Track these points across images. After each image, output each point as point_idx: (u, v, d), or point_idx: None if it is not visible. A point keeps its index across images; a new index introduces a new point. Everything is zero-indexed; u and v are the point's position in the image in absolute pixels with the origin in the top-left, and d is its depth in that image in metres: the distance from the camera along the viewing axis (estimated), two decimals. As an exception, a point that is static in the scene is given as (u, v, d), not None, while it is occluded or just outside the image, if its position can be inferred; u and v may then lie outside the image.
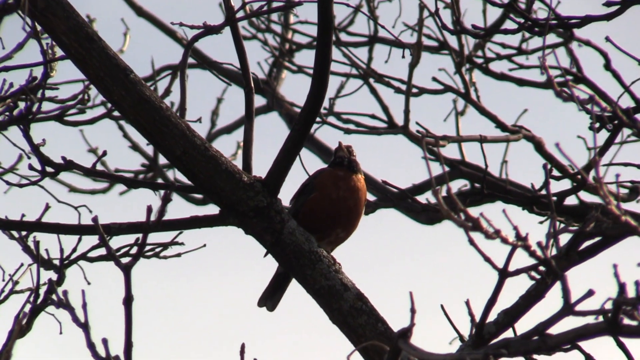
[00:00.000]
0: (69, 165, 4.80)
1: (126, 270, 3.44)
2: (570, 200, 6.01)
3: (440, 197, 3.29)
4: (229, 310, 8.19)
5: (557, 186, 6.41)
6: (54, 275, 5.09)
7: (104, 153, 4.93)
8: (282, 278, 5.03)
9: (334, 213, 4.96)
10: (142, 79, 7.29)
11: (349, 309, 4.74)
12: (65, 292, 3.35)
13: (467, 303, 3.84)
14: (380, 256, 8.05)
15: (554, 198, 5.71)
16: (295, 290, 4.97)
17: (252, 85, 5.01)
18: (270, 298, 5.03)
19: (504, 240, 3.36)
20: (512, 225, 3.39)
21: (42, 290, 4.92)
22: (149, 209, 3.46)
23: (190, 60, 7.20)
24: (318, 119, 7.14)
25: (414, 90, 6.95)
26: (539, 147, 6.68)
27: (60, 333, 4.91)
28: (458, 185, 6.99)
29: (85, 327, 3.39)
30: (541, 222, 5.36)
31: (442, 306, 4.60)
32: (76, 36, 4.66)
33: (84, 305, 3.39)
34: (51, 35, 4.67)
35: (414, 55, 6.76)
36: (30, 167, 4.82)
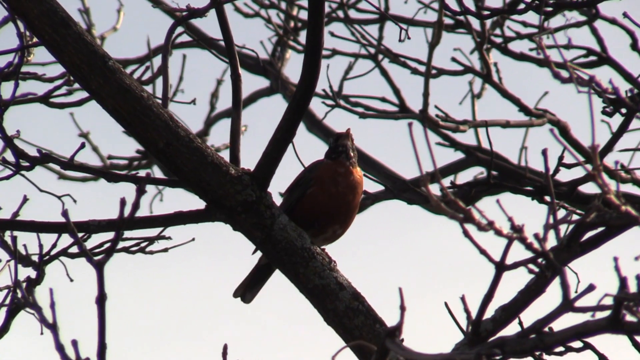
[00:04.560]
0: (44, 159, 4.83)
1: (99, 267, 3.45)
2: (589, 189, 6.01)
3: (429, 188, 3.29)
4: (217, 308, 8.21)
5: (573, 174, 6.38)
6: (33, 273, 5.09)
7: (82, 145, 4.94)
8: (264, 271, 5.03)
9: (333, 209, 4.95)
10: (137, 61, 7.33)
11: (344, 310, 4.74)
12: (32, 291, 3.36)
13: (463, 299, 3.85)
14: (376, 252, 8.05)
15: (565, 187, 5.70)
16: (288, 288, 4.98)
17: (239, 72, 5.02)
18: (250, 290, 5.02)
19: (498, 233, 3.36)
20: (506, 217, 3.40)
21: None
22: (123, 202, 3.47)
23: (187, 38, 7.20)
24: (330, 102, 7.10)
25: (432, 71, 6.90)
26: (564, 131, 6.64)
27: (42, 333, 4.92)
28: (474, 172, 6.98)
29: (53, 327, 3.41)
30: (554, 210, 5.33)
31: (445, 303, 4.59)
32: (50, 21, 4.67)
33: (52, 305, 3.40)
34: (24, 19, 4.67)
35: (435, 34, 6.71)
36: (4, 161, 4.85)
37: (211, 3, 4.97)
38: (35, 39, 5.14)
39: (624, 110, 5.00)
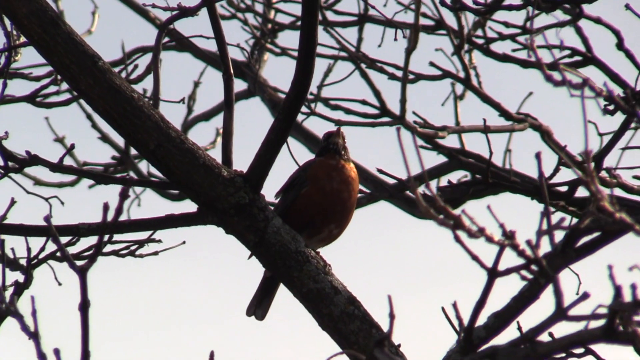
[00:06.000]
0: (33, 160, 4.80)
1: (82, 273, 3.41)
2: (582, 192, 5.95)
3: (418, 192, 3.25)
4: (209, 311, 8.19)
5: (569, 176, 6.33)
6: (21, 277, 5.06)
7: (72, 146, 4.92)
8: (270, 283, 4.99)
9: (328, 208, 4.92)
10: (112, 64, 7.30)
11: (340, 314, 4.70)
12: (12, 298, 3.33)
13: (455, 305, 3.80)
14: (372, 255, 8.02)
15: (565, 188, 5.66)
16: (283, 292, 4.95)
17: (232, 71, 4.98)
18: (259, 306, 4.99)
19: (489, 239, 3.32)
20: (498, 223, 3.35)
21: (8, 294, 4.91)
22: (106, 207, 3.43)
23: (165, 39, 7.17)
24: (306, 110, 7.06)
25: (410, 76, 6.84)
26: (547, 136, 6.60)
27: (29, 339, 4.87)
28: (457, 176, 6.92)
29: (35, 336, 3.37)
30: (552, 212, 5.31)
31: (443, 309, 4.56)
32: (39, 20, 4.64)
33: (34, 313, 3.37)
34: (12, 19, 4.64)
35: (411, 39, 6.65)
36: (-8, 163, 4.82)
37: (202, 2, 4.94)
38: (22, 39, 5.11)
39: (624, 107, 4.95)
